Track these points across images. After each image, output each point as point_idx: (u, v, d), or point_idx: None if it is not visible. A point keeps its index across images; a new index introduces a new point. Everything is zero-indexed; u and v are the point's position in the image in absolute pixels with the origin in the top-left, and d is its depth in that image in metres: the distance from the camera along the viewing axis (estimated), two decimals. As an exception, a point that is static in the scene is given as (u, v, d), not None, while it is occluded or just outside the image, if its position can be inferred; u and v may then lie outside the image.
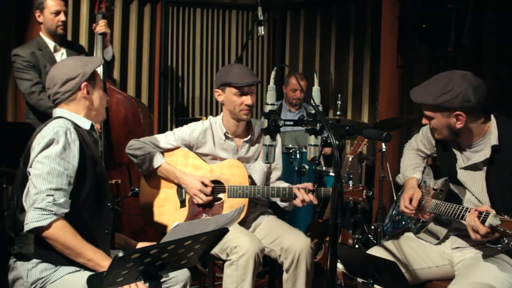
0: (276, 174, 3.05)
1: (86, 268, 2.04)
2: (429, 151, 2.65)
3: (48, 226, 1.95)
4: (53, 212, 1.95)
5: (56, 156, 2.02)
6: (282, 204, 2.93)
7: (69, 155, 2.07)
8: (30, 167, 2.04)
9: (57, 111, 2.22)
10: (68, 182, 2.04)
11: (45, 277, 2.02)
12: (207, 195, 2.81)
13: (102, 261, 2.01)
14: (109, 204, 2.24)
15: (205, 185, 2.81)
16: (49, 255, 2.02)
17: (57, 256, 2.02)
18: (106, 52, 3.66)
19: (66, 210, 2.01)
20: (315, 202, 2.76)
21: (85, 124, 2.23)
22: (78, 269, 2.05)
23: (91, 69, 2.23)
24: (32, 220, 1.93)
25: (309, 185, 2.77)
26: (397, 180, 2.79)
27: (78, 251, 2.00)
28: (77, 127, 2.17)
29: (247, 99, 2.82)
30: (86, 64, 2.24)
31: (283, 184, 2.99)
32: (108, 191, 2.26)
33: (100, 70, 3.10)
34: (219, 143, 2.92)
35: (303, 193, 2.73)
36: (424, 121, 2.38)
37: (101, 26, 3.61)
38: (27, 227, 1.95)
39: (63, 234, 1.97)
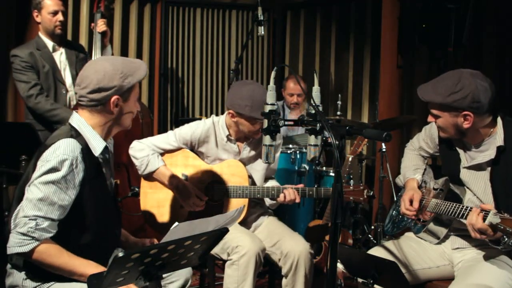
0: (270, 172, 3.05)
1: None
2: (432, 150, 2.63)
3: (31, 252, 1.88)
4: (35, 238, 1.88)
5: (53, 184, 1.91)
6: (269, 202, 2.93)
7: (69, 186, 1.94)
8: (29, 186, 1.95)
9: (74, 118, 2.06)
10: (60, 213, 1.92)
11: (39, 284, 1.99)
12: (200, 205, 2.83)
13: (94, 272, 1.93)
14: (116, 231, 2.18)
15: (200, 199, 2.82)
16: (36, 271, 1.96)
17: (45, 273, 1.95)
18: (106, 51, 3.65)
19: (50, 234, 1.91)
20: (297, 200, 2.75)
21: (98, 146, 2.06)
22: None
23: (129, 84, 2.02)
24: (13, 244, 1.88)
25: (299, 186, 2.80)
26: (397, 181, 2.77)
27: (67, 270, 1.93)
28: (87, 152, 2.01)
29: (262, 125, 2.77)
30: (127, 76, 2.01)
31: (274, 182, 3.02)
32: (114, 222, 2.18)
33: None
34: (221, 144, 2.91)
35: (289, 192, 2.73)
36: (430, 119, 2.34)
37: (101, 25, 3.60)
38: (9, 250, 1.90)
39: (47, 257, 1.91)
